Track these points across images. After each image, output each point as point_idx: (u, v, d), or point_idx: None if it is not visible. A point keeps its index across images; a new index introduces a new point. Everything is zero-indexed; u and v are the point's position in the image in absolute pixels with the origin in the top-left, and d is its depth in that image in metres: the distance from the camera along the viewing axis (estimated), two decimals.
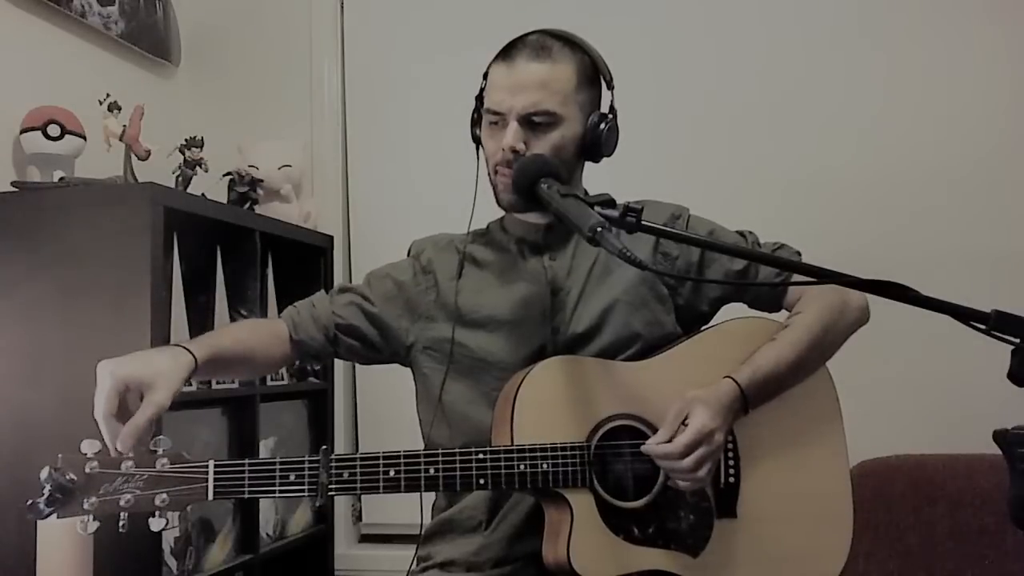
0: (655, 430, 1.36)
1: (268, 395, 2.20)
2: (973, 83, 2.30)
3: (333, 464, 1.23)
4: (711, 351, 1.45)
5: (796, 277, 1.43)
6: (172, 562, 1.86)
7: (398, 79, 2.63)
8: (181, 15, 2.67)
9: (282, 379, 2.30)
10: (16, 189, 1.94)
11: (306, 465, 1.22)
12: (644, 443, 1.34)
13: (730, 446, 1.41)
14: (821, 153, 2.36)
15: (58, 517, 1.15)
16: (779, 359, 1.40)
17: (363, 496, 2.64)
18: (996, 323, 0.93)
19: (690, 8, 2.47)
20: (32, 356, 1.80)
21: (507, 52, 1.42)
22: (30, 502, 1.14)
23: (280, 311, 2.30)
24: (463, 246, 1.53)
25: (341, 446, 2.57)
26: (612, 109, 1.46)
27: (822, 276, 1.07)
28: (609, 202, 1.22)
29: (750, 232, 1.52)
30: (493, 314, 1.46)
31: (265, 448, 2.20)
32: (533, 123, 1.39)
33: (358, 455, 1.25)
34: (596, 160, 1.46)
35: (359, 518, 2.67)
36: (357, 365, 2.63)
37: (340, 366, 2.59)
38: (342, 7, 2.72)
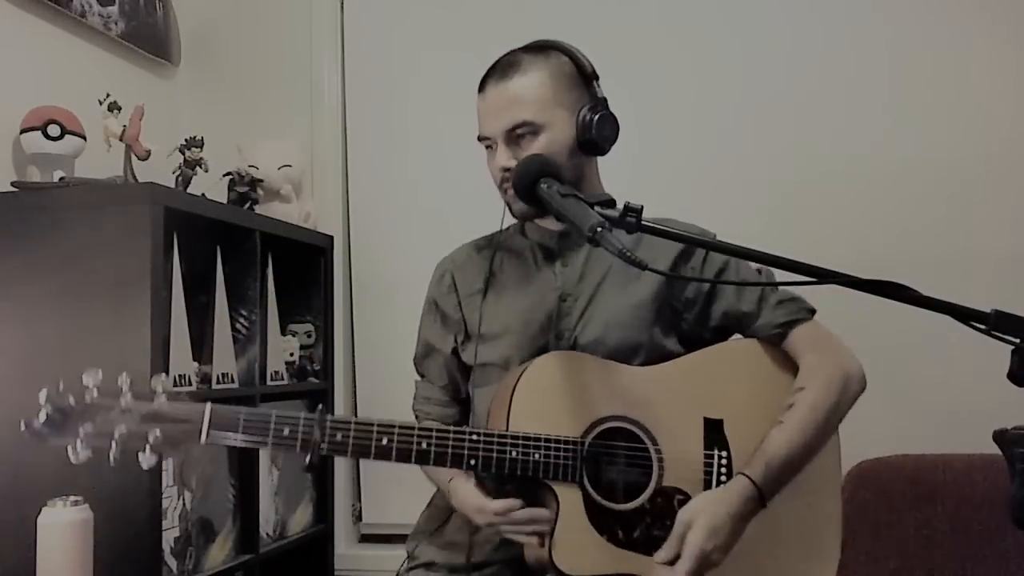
0: (650, 435, 1.37)
1: (268, 395, 2.20)
2: (975, 84, 2.30)
3: (328, 424, 1.24)
4: (714, 368, 1.46)
5: (782, 278, 1.42)
6: (172, 562, 1.86)
7: (398, 79, 2.63)
8: (181, 15, 2.67)
9: (282, 379, 2.30)
10: (16, 189, 1.94)
11: (301, 422, 1.23)
12: (642, 447, 1.36)
13: (723, 463, 1.40)
14: (822, 154, 2.35)
15: (53, 438, 1.16)
16: (791, 445, 1.38)
17: (363, 496, 2.64)
18: (996, 323, 0.93)
19: (699, 10, 2.47)
20: (31, 356, 1.80)
21: (481, 82, 1.47)
22: (25, 423, 1.16)
23: (280, 311, 2.33)
24: (490, 259, 1.56)
25: None
26: (600, 99, 1.45)
27: (822, 276, 1.07)
28: (609, 202, 1.22)
29: (767, 270, 1.50)
30: (505, 325, 1.50)
31: (264, 448, 2.20)
32: (517, 137, 1.42)
33: (353, 419, 1.26)
34: (598, 153, 1.47)
35: (359, 518, 2.67)
36: (357, 365, 2.65)
37: (340, 366, 2.59)
38: (342, 7, 2.71)
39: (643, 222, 1.17)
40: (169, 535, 1.85)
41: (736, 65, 2.41)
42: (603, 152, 1.47)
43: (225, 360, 2.06)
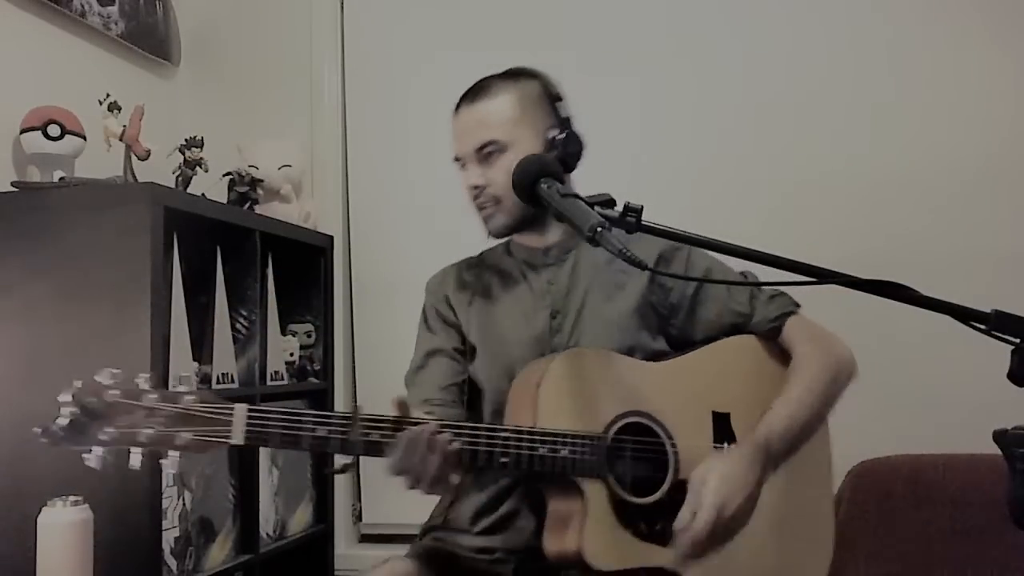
0: (666, 430, 1.41)
1: (268, 395, 2.20)
2: (975, 84, 2.30)
3: (362, 424, 1.21)
4: (718, 364, 1.50)
5: (782, 277, 1.43)
6: (172, 562, 1.86)
7: (398, 79, 2.63)
8: (181, 15, 2.67)
9: (282, 379, 2.30)
10: (16, 189, 1.94)
11: (336, 421, 1.20)
12: (658, 442, 1.39)
13: None
14: (822, 154, 2.35)
15: (72, 444, 1.06)
16: (791, 414, 1.42)
17: (363, 496, 2.64)
18: (996, 323, 0.93)
19: (699, 10, 2.47)
20: (32, 356, 1.80)
21: (456, 106, 1.55)
22: (42, 427, 1.05)
23: (280, 311, 2.33)
24: (479, 279, 1.60)
25: None
26: (564, 119, 1.52)
27: (822, 276, 1.07)
28: (609, 202, 1.22)
29: (751, 272, 1.53)
30: (500, 344, 1.53)
31: (264, 449, 2.20)
32: (487, 155, 1.49)
33: (389, 417, 1.23)
34: (564, 170, 1.49)
35: (359, 518, 2.67)
36: (357, 365, 2.65)
37: (340, 366, 2.59)
38: (342, 7, 2.71)
39: (642, 222, 1.17)
40: (169, 535, 1.85)
41: (736, 65, 2.41)
42: (569, 169, 1.51)
43: (225, 360, 2.06)
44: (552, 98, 1.53)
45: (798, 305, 1.54)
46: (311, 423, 1.18)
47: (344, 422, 1.20)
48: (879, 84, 2.34)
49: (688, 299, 1.53)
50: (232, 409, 1.14)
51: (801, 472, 1.46)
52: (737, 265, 1.46)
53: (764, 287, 1.53)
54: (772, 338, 1.53)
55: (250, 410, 1.16)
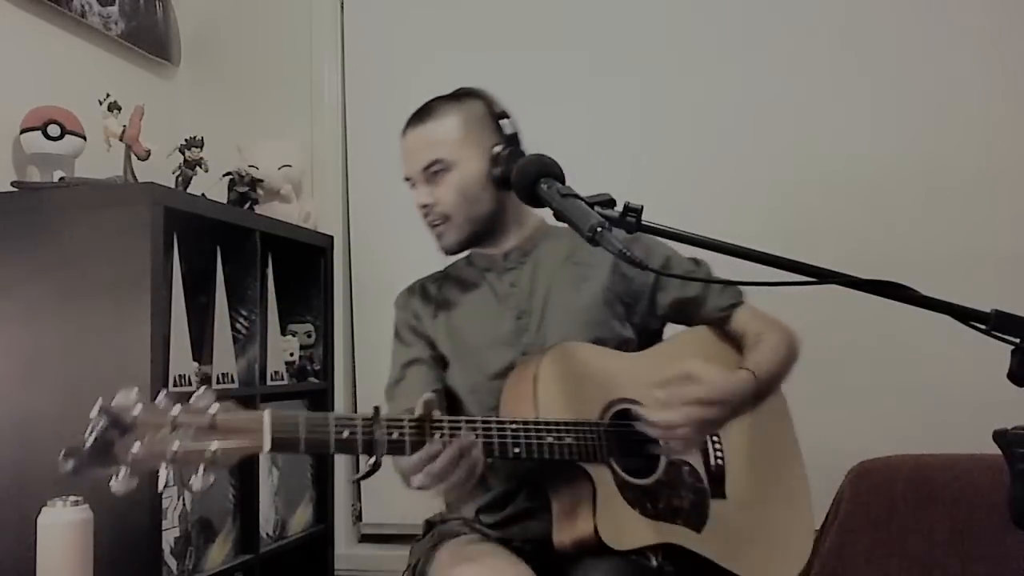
0: None
1: (268, 395, 2.20)
2: (976, 84, 2.30)
3: (385, 424, 1.20)
4: (691, 351, 1.56)
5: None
6: (172, 562, 1.86)
7: (398, 79, 2.63)
8: (181, 15, 2.67)
9: (282, 379, 2.30)
10: (16, 189, 1.94)
11: (359, 423, 1.19)
12: (651, 420, 1.41)
13: (715, 435, 1.49)
14: (822, 154, 2.36)
15: (100, 467, 1.01)
16: (766, 361, 1.48)
17: (363, 496, 2.65)
18: (996, 323, 0.93)
19: (699, 10, 2.46)
20: (32, 356, 1.80)
21: (403, 129, 1.60)
22: (66, 451, 0.99)
23: (280, 311, 2.33)
24: (446, 290, 1.65)
25: None
26: (508, 136, 1.55)
27: (822, 276, 1.07)
28: (609, 202, 1.22)
29: (704, 261, 1.58)
30: (470, 351, 1.57)
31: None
32: (433, 174, 1.54)
33: (406, 416, 1.23)
34: (509, 187, 1.50)
35: (359, 518, 2.67)
36: (357, 365, 2.65)
37: (340, 366, 2.59)
38: (342, 7, 2.72)
39: (642, 222, 1.17)
40: (169, 535, 1.85)
41: (736, 65, 2.41)
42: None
43: (225, 360, 2.06)
44: (496, 116, 1.56)
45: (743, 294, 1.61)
46: (335, 426, 1.18)
47: (368, 423, 1.19)
48: (880, 84, 2.34)
49: (649, 287, 1.57)
50: (259, 417, 1.12)
51: (776, 446, 1.54)
52: (718, 258, 1.48)
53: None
54: (722, 325, 1.59)
55: (273, 416, 1.14)
